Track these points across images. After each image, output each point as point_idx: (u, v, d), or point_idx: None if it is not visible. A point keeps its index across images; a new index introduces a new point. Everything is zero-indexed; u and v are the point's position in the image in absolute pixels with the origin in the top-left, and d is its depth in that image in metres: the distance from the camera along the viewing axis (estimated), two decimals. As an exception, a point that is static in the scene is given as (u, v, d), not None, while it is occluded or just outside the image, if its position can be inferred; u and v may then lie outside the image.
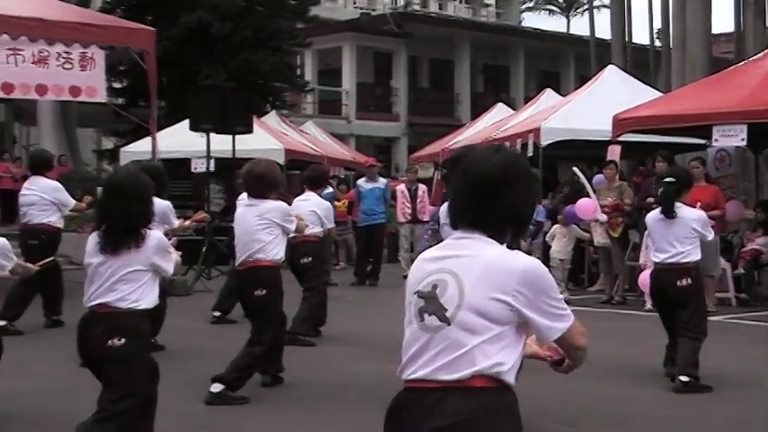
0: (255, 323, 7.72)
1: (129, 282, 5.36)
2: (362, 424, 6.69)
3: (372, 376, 8.24)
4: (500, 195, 3.18)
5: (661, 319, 8.52)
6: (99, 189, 7.80)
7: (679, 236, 8.20)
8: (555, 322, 3.15)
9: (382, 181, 17.45)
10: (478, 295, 3.06)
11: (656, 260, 8.37)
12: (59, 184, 11.22)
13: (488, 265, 3.10)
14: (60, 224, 11.01)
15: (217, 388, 7.20)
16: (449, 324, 3.07)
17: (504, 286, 3.08)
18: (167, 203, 9.17)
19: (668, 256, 8.18)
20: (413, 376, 3.11)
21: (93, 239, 5.46)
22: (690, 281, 8.10)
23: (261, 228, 7.66)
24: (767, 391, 7.80)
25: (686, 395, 7.59)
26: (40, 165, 11.22)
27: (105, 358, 5.29)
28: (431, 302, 3.10)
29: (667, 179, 8.55)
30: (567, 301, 11.44)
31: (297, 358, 8.99)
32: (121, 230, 5.37)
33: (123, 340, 5.25)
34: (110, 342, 5.22)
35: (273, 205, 7.79)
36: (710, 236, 8.34)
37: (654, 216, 8.48)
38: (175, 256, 5.79)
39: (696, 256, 8.22)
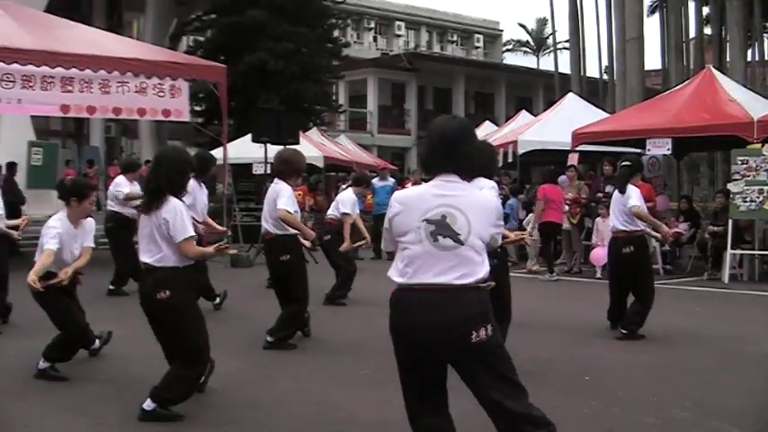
0: (286, 286, 7.21)
1: (155, 241, 4.86)
2: (385, 364, 6.71)
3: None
4: (462, 145, 3.41)
5: (610, 282, 8.17)
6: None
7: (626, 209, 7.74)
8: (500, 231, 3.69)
9: (392, 180, 17.56)
10: (481, 226, 3.34)
11: (612, 230, 7.96)
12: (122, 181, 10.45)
13: (483, 204, 3.42)
14: (127, 212, 10.05)
15: (270, 338, 7.09)
16: (462, 245, 3.27)
17: (493, 220, 3.44)
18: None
19: (618, 225, 7.81)
20: (427, 281, 3.25)
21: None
22: (632, 248, 7.71)
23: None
24: (687, 337, 7.83)
25: (625, 342, 7.62)
26: (125, 167, 10.95)
27: (155, 310, 4.95)
28: (444, 228, 3.27)
29: (624, 163, 8.05)
30: (537, 272, 11.44)
31: (332, 316, 9.00)
32: (153, 193, 4.92)
33: (168, 292, 4.85)
34: (158, 295, 4.85)
35: (282, 187, 7.04)
36: (632, 203, 7.63)
37: (614, 194, 8.03)
38: (197, 249, 5.03)
39: (638, 225, 7.80)
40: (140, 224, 5.00)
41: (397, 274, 3.35)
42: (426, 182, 3.50)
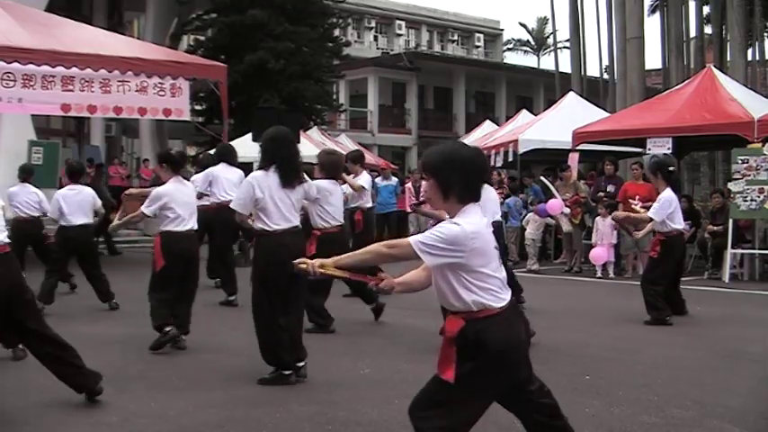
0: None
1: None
2: (385, 364, 6.74)
3: (396, 317, 8.25)
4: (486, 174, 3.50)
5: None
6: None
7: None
8: None
9: (395, 179, 17.51)
10: None
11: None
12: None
13: None
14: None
15: (308, 325, 7.12)
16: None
17: None
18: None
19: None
20: (509, 296, 3.29)
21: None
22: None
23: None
24: (688, 337, 7.83)
25: (627, 331, 7.62)
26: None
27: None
28: (498, 254, 3.29)
29: (671, 168, 8.86)
30: (537, 271, 11.48)
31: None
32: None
33: None
34: None
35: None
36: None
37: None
38: None
39: (664, 227, 8.62)
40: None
41: (494, 298, 3.22)
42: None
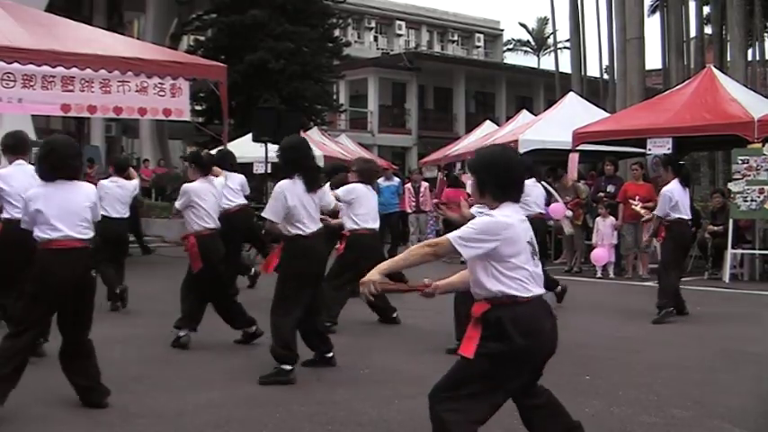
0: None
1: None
2: (385, 364, 6.74)
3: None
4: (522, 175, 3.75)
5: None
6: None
7: None
8: None
9: (396, 180, 17.47)
10: None
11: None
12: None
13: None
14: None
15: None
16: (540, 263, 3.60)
17: None
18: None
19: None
20: (540, 292, 3.50)
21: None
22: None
23: None
24: (688, 337, 7.84)
25: (627, 331, 7.62)
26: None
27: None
28: (534, 249, 3.52)
29: (681, 161, 9.37)
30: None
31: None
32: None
33: None
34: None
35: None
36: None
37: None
38: None
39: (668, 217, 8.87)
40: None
41: (521, 288, 3.45)
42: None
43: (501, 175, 3.55)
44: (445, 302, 5.70)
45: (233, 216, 9.69)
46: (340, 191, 7.87)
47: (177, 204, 7.40)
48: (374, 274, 3.50)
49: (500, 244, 3.39)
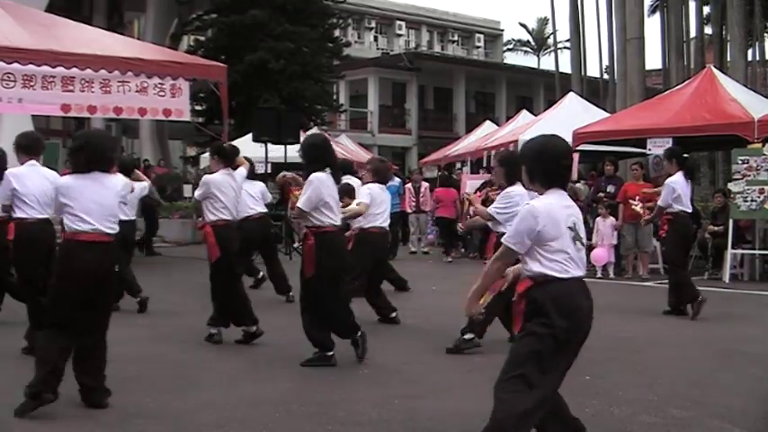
0: None
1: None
2: (385, 364, 6.73)
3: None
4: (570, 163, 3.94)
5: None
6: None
7: None
8: None
9: (397, 180, 17.46)
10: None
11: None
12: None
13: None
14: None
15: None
16: (584, 246, 3.81)
17: None
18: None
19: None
20: (579, 274, 3.71)
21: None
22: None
23: None
24: (688, 337, 7.83)
25: (627, 331, 7.62)
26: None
27: None
28: (577, 234, 3.72)
29: (685, 154, 9.46)
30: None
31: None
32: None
33: None
34: None
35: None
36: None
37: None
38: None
39: (670, 209, 8.96)
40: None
41: (560, 269, 3.66)
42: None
43: (548, 163, 3.73)
44: (445, 302, 5.70)
45: (253, 223, 9.80)
46: (364, 196, 7.99)
47: (196, 194, 7.56)
48: (473, 303, 3.90)
49: (542, 228, 3.60)
